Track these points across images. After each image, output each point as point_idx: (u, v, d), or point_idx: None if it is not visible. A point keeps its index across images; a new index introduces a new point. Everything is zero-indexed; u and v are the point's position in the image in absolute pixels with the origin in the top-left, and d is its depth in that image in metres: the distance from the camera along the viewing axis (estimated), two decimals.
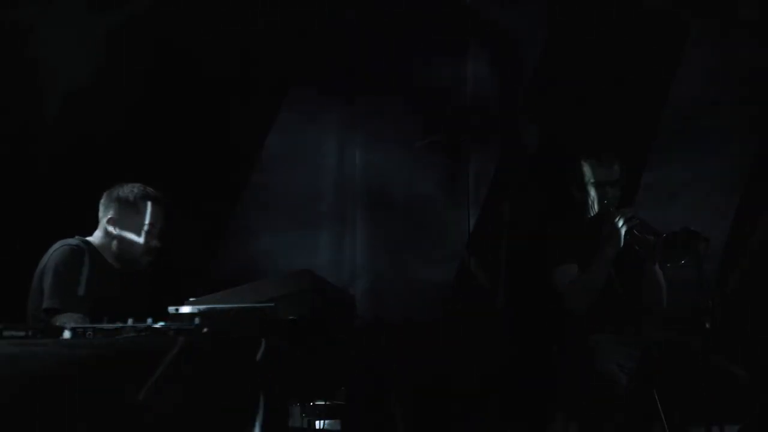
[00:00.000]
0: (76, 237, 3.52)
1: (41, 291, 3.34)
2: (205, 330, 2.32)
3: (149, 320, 2.39)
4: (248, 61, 4.54)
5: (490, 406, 4.52)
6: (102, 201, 3.58)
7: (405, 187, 4.71)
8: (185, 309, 2.51)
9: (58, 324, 3.11)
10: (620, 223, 3.78)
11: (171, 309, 2.53)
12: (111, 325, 2.35)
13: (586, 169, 3.96)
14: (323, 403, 3.45)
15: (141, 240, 3.51)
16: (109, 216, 3.52)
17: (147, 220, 3.51)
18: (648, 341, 3.79)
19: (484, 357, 4.56)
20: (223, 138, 4.51)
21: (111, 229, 3.50)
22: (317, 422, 3.49)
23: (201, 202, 4.33)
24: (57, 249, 3.41)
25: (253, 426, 2.24)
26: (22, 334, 2.27)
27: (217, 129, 4.49)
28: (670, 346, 3.77)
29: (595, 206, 3.94)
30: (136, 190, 3.55)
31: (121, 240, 3.51)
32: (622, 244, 3.78)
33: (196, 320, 2.40)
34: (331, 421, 3.56)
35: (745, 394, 3.52)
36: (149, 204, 3.53)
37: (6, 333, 2.26)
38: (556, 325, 4.00)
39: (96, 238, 3.54)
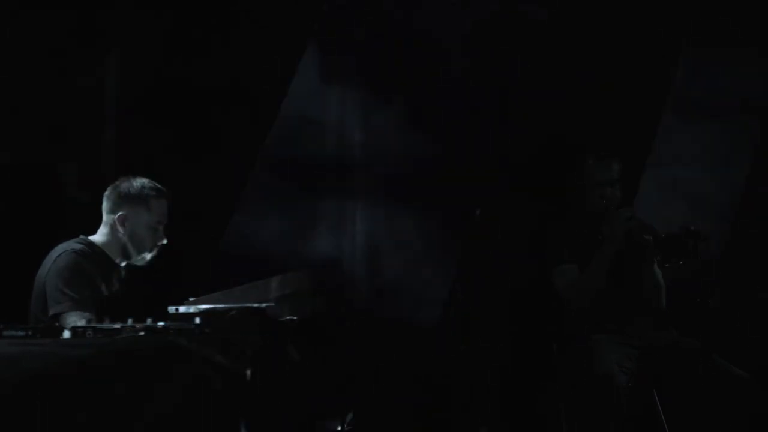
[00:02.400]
0: (80, 237, 3.49)
1: (45, 296, 3.31)
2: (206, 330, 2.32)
3: (149, 320, 2.39)
4: (250, 58, 4.54)
5: (490, 406, 4.52)
6: (107, 195, 3.49)
7: (405, 186, 4.72)
8: (185, 309, 2.51)
9: (66, 323, 3.11)
10: (620, 223, 3.78)
11: (171, 309, 2.53)
12: (111, 325, 2.35)
13: (586, 169, 3.96)
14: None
15: (152, 238, 3.47)
16: (120, 213, 3.46)
17: (155, 219, 3.47)
18: (648, 341, 3.79)
19: (484, 356, 4.56)
20: (223, 137, 4.51)
21: (120, 225, 3.46)
22: None
23: (201, 201, 4.33)
24: (60, 254, 3.35)
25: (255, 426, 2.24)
26: (22, 334, 2.26)
27: (218, 127, 4.49)
28: (670, 346, 3.77)
29: (595, 206, 3.94)
30: (146, 186, 3.47)
31: (131, 237, 3.46)
32: (621, 244, 3.79)
33: (196, 320, 2.40)
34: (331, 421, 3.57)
35: (745, 394, 3.52)
36: (160, 201, 3.49)
37: (6, 333, 2.26)
38: (556, 325, 4.00)
39: (101, 235, 3.49)
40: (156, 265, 3.55)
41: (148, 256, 3.49)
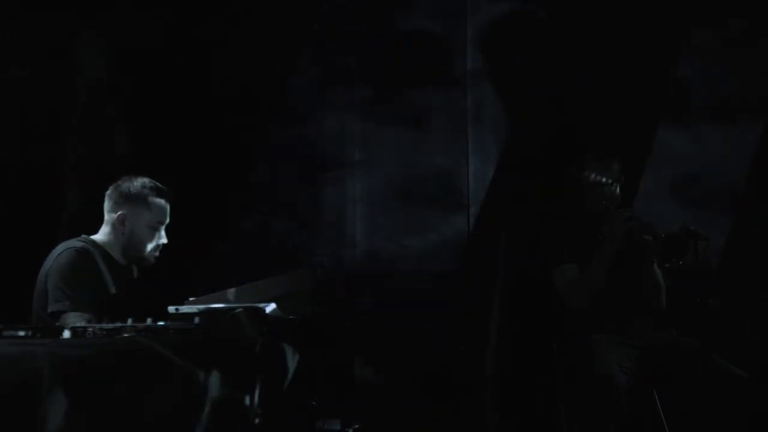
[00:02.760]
0: (82, 236, 3.49)
1: (46, 294, 3.31)
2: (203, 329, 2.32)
3: (149, 320, 2.39)
4: (250, 58, 4.54)
5: (489, 405, 4.52)
6: (108, 194, 3.49)
7: (405, 186, 4.72)
8: (185, 309, 2.51)
9: (65, 323, 3.11)
10: (620, 223, 3.78)
11: (171, 309, 2.53)
12: (111, 325, 2.36)
13: (586, 169, 3.96)
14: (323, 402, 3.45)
15: (152, 237, 3.47)
16: (120, 212, 3.46)
17: (156, 219, 3.47)
18: (648, 341, 3.79)
19: (484, 356, 4.56)
20: (223, 137, 4.51)
21: (121, 225, 3.46)
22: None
23: (201, 201, 4.33)
24: (62, 252, 3.36)
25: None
26: (22, 334, 2.26)
27: (217, 128, 4.49)
28: (670, 346, 3.77)
29: (595, 206, 3.94)
30: (147, 186, 3.47)
31: (131, 236, 3.46)
32: (621, 244, 3.79)
33: (196, 320, 2.40)
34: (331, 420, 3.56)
35: (745, 394, 3.51)
36: (160, 201, 3.49)
37: (6, 333, 2.26)
38: (556, 325, 4.00)
39: (102, 234, 3.49)
40: (156, 265, 3.55)
41: (150, 258, 3.49)
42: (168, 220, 3.51)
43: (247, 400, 2.31)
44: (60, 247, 3.39)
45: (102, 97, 4.25)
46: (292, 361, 2.68)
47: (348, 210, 4.75)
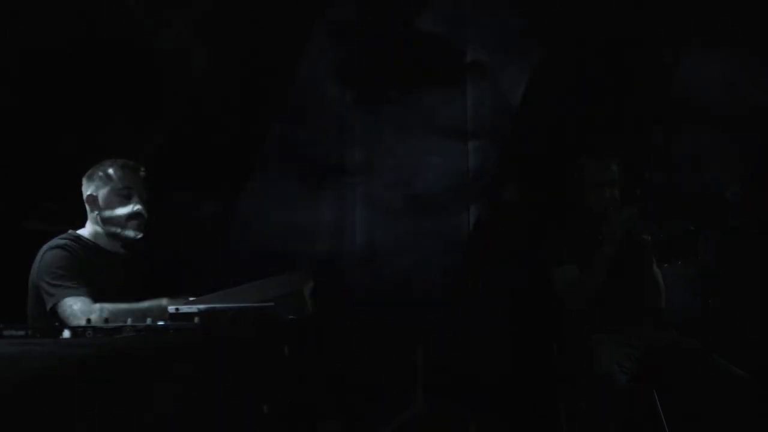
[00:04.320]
0: (68, 231, 3.49)
1: (37, 295, 3.31)
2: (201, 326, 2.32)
3: (149, 320, 2.40)
4: (251, 58, 4.55)
5: (489, 405, 4.52)
6: (82, 188, 3.54)
7: (406, 186, 4.73)
8: (185, 309, 2.51)
9: (64, 310, 3.13)
10: (620, 224, 3.79)
11: (171, 309, 2.53)
12: (111, 325, 2.36)
13: (585, 170, 3.97)
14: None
15: (121, 204, 3.46)
16: (87, 194, 3.49)
17: (121, 185, 3.48)
18: (648, 341, 3.79)
19: (484, 357, 4.56)
20: (224, 137, 4.51)
21: (92, 205, 3.47)
22: None
23: (201, 202, 4.34)
24: (46, 252, 3.37)
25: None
26: (22, 334, 2.27)
27: (217, 128, 4.50)
28: (670, 346, 3.77)
29: (595, 206, 3.94)
30: (106, 162, 3.52)
31: (103, 211, 3.47)
32: (621, 244, 3.79)
33: (196, 320, 2.40)
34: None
35: (745, 394, 3.52)
36: (120, 170, 3.49)
37: (6, 333, 2.26)
38: (556, 325, 4.00)
39: (87, 226, 3.52)
40: (156, 265, 3.55)
41: (129, 229, 3.47)
42: (140, 190, 3.49)
43: (247, 400, 2.32)
44: (44, 248, 3.39)
45: (100, 96, 4.25)
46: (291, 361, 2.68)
47: (348, 210, 4.76)
